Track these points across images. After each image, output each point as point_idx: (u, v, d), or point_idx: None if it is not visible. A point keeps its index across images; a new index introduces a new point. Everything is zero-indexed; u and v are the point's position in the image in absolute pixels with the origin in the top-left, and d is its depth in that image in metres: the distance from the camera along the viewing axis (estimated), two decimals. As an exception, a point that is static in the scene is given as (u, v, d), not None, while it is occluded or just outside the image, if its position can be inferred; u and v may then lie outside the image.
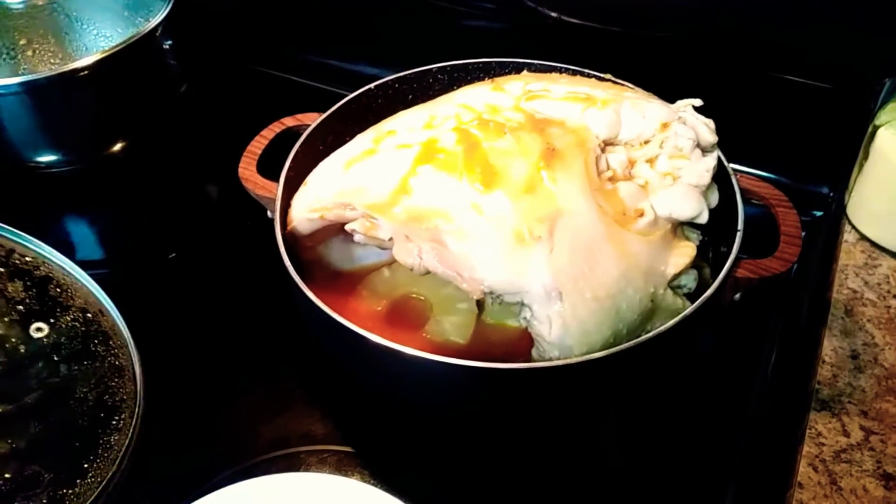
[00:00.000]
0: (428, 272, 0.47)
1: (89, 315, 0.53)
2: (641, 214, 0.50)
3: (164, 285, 0.70)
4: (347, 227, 0.50)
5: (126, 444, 0.46)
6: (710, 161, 0.53)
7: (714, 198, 0.54)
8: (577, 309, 0.45)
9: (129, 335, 0.51)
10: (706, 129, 0.54)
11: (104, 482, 0.44)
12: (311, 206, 0.53)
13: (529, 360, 0.49)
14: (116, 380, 0.49)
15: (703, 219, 0.51)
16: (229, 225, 0.76)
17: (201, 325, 0.66)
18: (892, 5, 0.60)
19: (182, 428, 0.58)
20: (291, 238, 0.55)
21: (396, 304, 0.57)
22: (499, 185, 0.48)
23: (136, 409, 0.48)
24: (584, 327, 0.45)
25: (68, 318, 0.53)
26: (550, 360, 0.46)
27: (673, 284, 0.50)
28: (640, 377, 0.53)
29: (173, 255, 0.75)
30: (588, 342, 0.46)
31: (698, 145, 0.54)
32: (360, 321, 0.47)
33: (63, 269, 0.55)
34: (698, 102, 0.56)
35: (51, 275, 0.55)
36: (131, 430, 0.46)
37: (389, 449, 0.56)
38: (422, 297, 0.57)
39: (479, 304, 0.56)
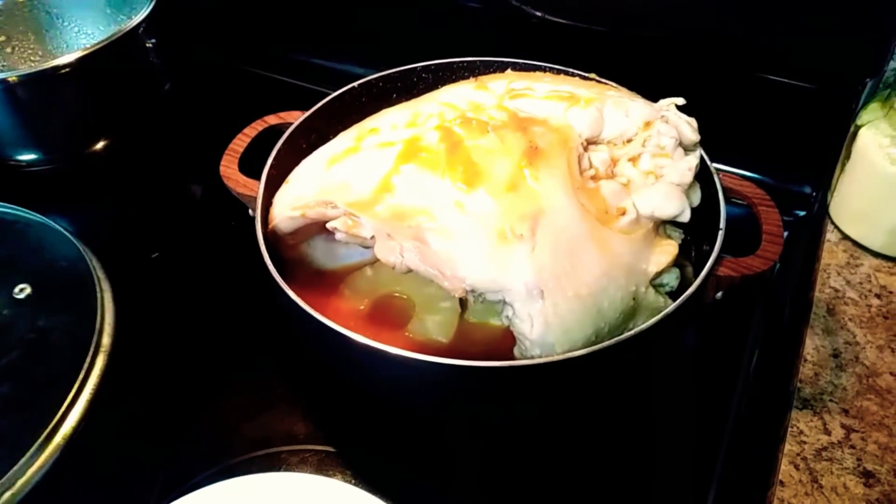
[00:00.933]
0: (410, 270, 0.47)
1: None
2: (623, 213, 0.50)
3: (147, 284, 0.69)
4: (329, 226, 0.50)
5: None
6: (693, 160, 0.53)
7: (696, 196, 0.54)
8: (559, 307, 0.45)
9: (112, 333, 0.51)
10: (688, 128, 0.54)
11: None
12: (292, 204, 0.53)
13: (512, 358, 0.49)
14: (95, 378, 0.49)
15: (685, 217, 0.51)
16: (213, 224, 0.75)
17: (184, 324, 0.65)
18: (872, 5, 0.60)
19: (163, 427, 0.57)
20: (273, 237, 0.54)
21: (379, 303, 0.57)
22: (481, 184, 0.48)
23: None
24: (565, 325, 0.45)
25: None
26: (532, 358, 0.46)
27: (655, 283, 0.50)
28: (622, 375, 0.53)
29: (156, 254, 0.74)
30: (570, 340, 0.46)
31: (680, 144, 0.54)
32: (342, 320, 0.46)
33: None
34: (681, 101, 0.56)
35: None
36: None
37: (371, 449, 0.56)
38: (404, 297, 0.57)
39: (462, 302, 0.55)
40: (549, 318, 0.45)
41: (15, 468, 0.44)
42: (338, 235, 0.50)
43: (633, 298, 0.48)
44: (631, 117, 0.54)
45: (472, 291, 0.46)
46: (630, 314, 0.48)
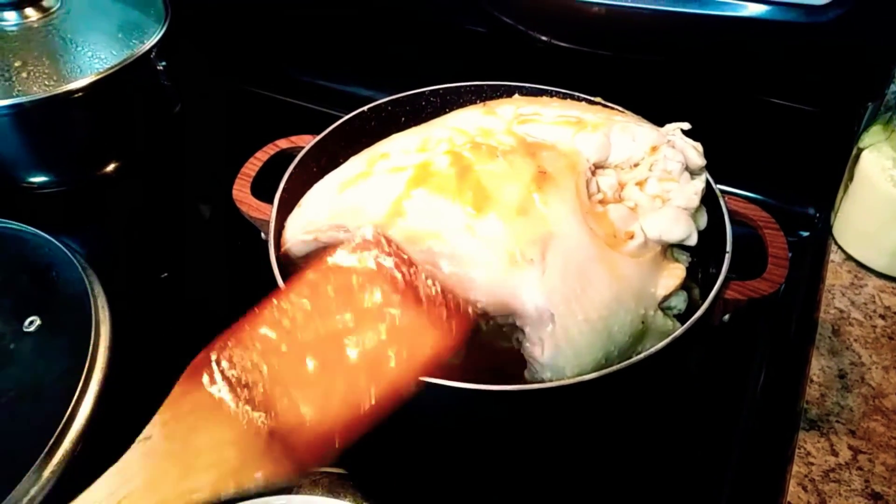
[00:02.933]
0: None
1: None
2: (632, 237, 0.51)
3: (155, 304, 0.70)
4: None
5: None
6: (699, 184, 0.54)
7: (703, 220, 0.55)
8: (570, 331, 0.46)
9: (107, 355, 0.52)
10: (694, 153, 0.55)
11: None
12: (305, 227, 0.53)
13: (522, 381, 0.49)
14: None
15: (692, 241, 0.52)
16: (221, 245, 0.76)
17: (193, 344, 0.66)
18: (871, 31, 0.61)
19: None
20: (285, 260, 0.55)
21: None
22: (491, 208, 0.49)
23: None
24: (576, 349, 0.46)
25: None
26: (543, 381, 0.46)
27: (663, 306, 0.51)
28: (631, 398, 0.53)
29: (165, 274, 0.75)
30: (580, 364, 0.46)
31: (687, 168, 0.54)
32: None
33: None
34: (686, 126, 0.57)
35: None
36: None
37: (382, 471, 0.56)
38: None
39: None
40: (559, 342, 0.46)
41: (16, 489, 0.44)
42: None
43: (642, 322, 0.49)
44: (637, 142, 0.55)
45: (483, 315, 0.47)
46: (639, 338, 0.49)
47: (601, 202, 0.52)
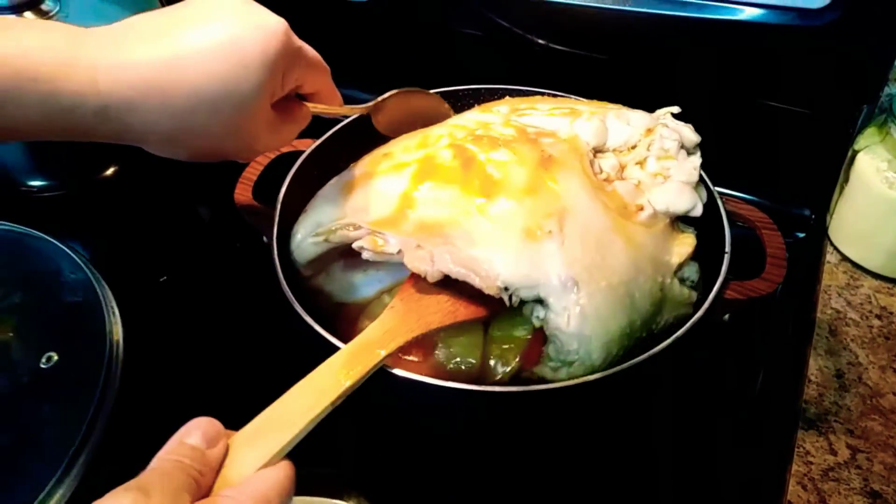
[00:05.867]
0: (443, 276, 0.47)
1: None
2: (641, 209, 0.52)
3: (156, 307, 0.70)
4: (355, 245, 0.50)
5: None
6: (696, 159, 0.56)
7: (703, 195, 0.56)
8: (594, 297, 0.46)
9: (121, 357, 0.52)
10: (688, 130, 0.57)
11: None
12: (313, 230, 0.53)
13: (532, 375, 0.50)
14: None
15: (698, 211, 0.53)
16: (221, 248, 0.76)
17: (192, 348, 0.66)
18: (865, 34, 0.62)
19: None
20: (290, 267, 0.55)
21: None
22: (501, 192, 0.50)
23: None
24: (601, 315, 0.46)
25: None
26: (568, 354, 0.47)
27: (679, 276, 0.52)
28: (630, 398, 0.54)
29: (164, 277, 0.75)
30: (606, 331, 0.46)
31: (682, 146, 0.56)
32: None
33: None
34: (676, 110, 0.59)
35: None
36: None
37: (383, 472, 0.56)
38: None
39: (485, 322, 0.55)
40: (585, 310, 0.46)
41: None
42: (364, 255, 0.50)
43: (661, 289, 0.50)
44: (633, 125, 0.57)
45: (506, 289, 0.46)
46: (658, 306, 0.49)
47: (606, 181, 0.54)
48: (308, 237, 0.53)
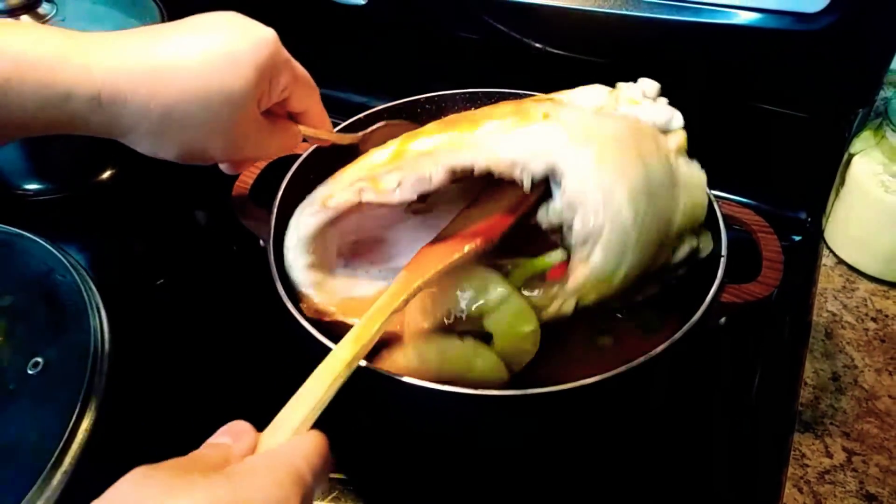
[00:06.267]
0: (453, 181, 0.48)
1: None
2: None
3: (152, 311, 0.70)
4: (363, 199, 0.50)
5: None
6: (664, 101, 0.55)
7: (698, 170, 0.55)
8: (605, 147, 0.46)
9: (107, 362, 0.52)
10: (648, 82, 0.56)
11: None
12: (317, 203, 0.53)
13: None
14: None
15: (679, 122, 0.53)
16: (217, 252, 0.76)
17: (189, 351, 0.66)
18: (862, 38, 0.62)
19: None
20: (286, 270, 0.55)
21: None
22: (486, 119, 0.50)
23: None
24: (616, 162, 0.46)
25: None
26: (596, 213, 0.45)
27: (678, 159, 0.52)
28: (626, 402, 0.54)
29: (161, 281, 0.75)
30: (626, 178, 0.46)
31: (646, 96, 0.56)
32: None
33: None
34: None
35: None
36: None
37: (382, 476, 0.56)
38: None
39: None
40: (602, 158, 0.45)
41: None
42: (365, 196, 0.50)
43: (667, 161, 0.50)
44: (597, 91, 0.57)
45: (517, 165, 0.46)
46: (671, 179, 0.49)
47: None
48: (308, 213, 0.53)
